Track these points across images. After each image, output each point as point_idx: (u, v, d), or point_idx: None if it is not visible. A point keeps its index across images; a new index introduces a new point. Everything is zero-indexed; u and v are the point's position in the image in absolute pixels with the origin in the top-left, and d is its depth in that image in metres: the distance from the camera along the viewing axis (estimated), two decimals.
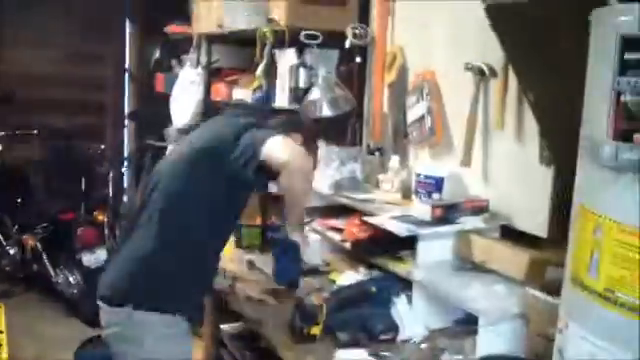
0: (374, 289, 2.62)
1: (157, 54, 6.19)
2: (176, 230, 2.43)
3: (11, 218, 5.90)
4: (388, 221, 2.71)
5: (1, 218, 5.97)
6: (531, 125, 2.53)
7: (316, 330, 2.44)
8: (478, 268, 2.59)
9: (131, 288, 2.42)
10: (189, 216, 2.43)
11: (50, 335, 4.83)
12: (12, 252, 5.73)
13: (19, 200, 6.00)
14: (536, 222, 2.58)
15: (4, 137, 6.19)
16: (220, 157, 2.37)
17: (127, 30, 7.00)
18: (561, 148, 2.41)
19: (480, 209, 2.72)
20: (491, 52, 2.66)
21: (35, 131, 6.33)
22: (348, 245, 3.05)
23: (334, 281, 3.14)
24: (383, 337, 2.46)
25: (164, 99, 4.96)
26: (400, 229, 2.60)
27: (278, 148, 2.32)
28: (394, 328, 2.51)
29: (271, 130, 2.44)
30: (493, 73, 2.73)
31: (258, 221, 3.73)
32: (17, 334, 4.09)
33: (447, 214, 2.67)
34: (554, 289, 2.20)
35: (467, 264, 2.64)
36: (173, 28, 5.22)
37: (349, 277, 2.99)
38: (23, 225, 5.75)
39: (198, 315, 2.68)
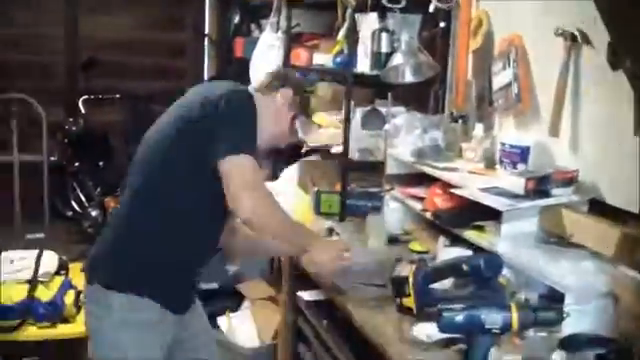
0: (465, 268, 2.36)
1: (237, 18, 6.19)
2: (153, 208, 2.34)
3: (93, 180, 6.04)
4: (481, 194, 2.62)
5: (83, 180, 6.13)
6: (626, 93, 2.41)
7: (409, 302, 2.38)
8: (563, 243, 2.50)
9: (100, 265, 2.38)
10: (167, 194, 2.32)
11: None
12: (94, 214, 5.88)
13: (101, 163, 6.14)
14: (627, 196, 2.46)
15: (87, 101, 6.33)
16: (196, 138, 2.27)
17: None
18: None
19: (570, 180, 2.61)
20: (583, 16, 2.55)
21: (117, 95, 6.45)
22: (429, 215, 3.00)
23: (414, 251, 3.11)
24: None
25: (244, 64, 4.94)
26: (500, 204, 2.51)
27: (234, 192, 2.19)
28: None
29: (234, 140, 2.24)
30: (585, 39, 2.61)
31: (337, 187, 3.68)
32: None
33: (539, 186, 2.57)
34: None
35: (552, 238, 2.56)
36: None
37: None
38: (105, 187, 5.88)
39: (177, 304, 2.43)
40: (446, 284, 2.51)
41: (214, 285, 4.55)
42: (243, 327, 4.12)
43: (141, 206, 2.36)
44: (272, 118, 2.49)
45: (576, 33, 2.63)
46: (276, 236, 2.44)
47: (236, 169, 2.20)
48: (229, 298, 4.45)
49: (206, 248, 2.51)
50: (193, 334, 2.57)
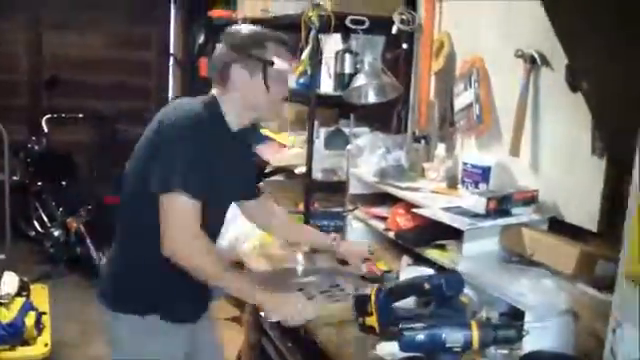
0: (427, 286, 2.26)
1: (202, 38, 6.18)
2: (133, 230, 2.36)
3: (56, 200, 5.97)
4: (443, 213, 2.64)
5: (46, 200, 6.05)
6: (583, 114, 2.45)
7: (371, 321, 2.38)
8: (524, 261, 2.53)
9: (106, 290, 2.42)
10: (141, 216, 2.29)
11: (91, 318, 4.86)
12: (56, 234, 5.80)
13: (64, 183, 6.07)
14: (586, 215, 2.51)
15: (51, 120, 6.27)
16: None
17: (172, 14, 7.01)
18: (614, 139, 2.33)
19: (530, 200, 2.65)
20: (543, 38, 2.59)
21: (80, 115, 6.40)
22: (392, 234, 3.01)
23: None
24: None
25: (208, 84, 4.94)
26: (461, 223, 2.54)
27: (171, 235, 2.15)
28: None
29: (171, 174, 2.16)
30: (545, 61, 2.66)
31: (301, 207, 3.68)
32: (58, 316, 4.12)
33: (500, 206, 2.61)
34: (604, 284, 2.15)
35: (513, 257, 2.59)
36: (217, 12, 5.18)
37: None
38: (68, 207, 5.81)
39: (185, 314, 2.43)
40: (409, 303, 2.51)
41: None
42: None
43: (126, 228, 2.40)
44: (247, 90, 2.39)
45: (535, 55, 2.67)
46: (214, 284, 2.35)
47: (171, 212, 2.15)
48: None
49: None
50: (202, 346, 2.58)
